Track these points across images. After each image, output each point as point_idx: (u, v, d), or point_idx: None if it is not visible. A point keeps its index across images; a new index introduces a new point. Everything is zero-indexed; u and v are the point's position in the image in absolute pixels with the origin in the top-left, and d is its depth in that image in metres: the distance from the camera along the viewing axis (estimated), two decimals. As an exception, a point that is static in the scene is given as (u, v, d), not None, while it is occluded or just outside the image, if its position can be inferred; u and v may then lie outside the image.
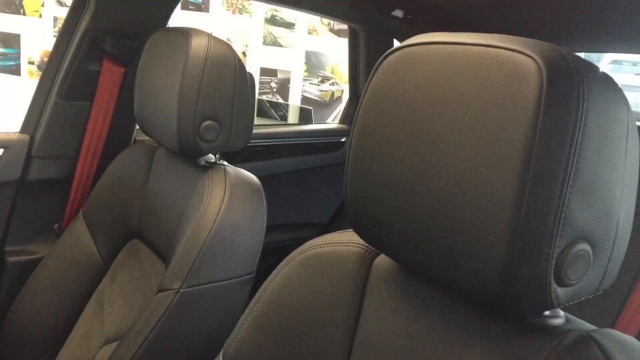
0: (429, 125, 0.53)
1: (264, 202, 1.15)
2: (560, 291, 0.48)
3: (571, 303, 0.49)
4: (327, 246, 0.72)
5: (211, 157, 1.26)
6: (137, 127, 1.58)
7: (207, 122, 1.12)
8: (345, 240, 0.71)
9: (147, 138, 1.37)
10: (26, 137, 1.46)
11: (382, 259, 0.68)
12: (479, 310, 0.57)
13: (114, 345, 1.17)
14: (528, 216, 0.45)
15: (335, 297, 0.68)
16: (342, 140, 2.13)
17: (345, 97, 3.48)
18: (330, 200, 2.16)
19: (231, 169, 1.18)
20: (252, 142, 1.84)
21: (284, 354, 0.69)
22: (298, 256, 0.73)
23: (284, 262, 0.75)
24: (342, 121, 2.20)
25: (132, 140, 1.58)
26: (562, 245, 0.46)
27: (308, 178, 2.07)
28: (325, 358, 0.66)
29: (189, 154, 1.17)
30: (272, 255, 1.72)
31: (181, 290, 1.03)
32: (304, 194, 2.08)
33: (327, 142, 2.10)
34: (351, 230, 0.72)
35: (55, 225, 1.54)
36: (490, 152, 0.47)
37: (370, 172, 0.59)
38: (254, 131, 1.25)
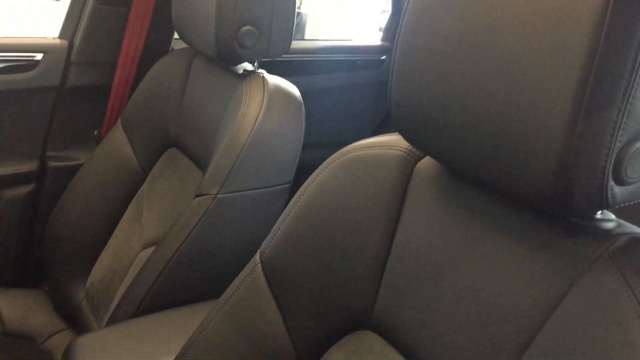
0: (483, 18, 0.49)
1: (303, 111, 1.13)
2: (617, 190, 0.45)
3: (627, 204, 0.47)
4: (368, 149, 0.70)
5: (249, 66, 1.24)
6: (175, 34, 1.56)
7: (246, 27, 1.09)
8: (387, 144, 0.69)
9: (185, 46, 1.35)
10: (65, 42, 1.46)
11: (424, 163, 0.66)
12: (525, 213, 0.55)
13: (152, 249, 1.19)
14: (590, 108, 0.42)
15: (375, 200, 0.66)
16: (382, 58, 2.07)
17: (304, 8, 3.28)
18: (368, 120, 2.13)
19: (270, 77, 1.16)
20: (288, 57, 1.80)
21: (321, 255, 0.69)
22: (338, 159, 0.72)
23: (323, 164, 0.74)
24: (383, 39, 2.13)
25: (170, 48, 1.56)
26: (624, 140, 0.44)
27: (345, 96, 2.03)
28: (362, 259, 0.66)
29: (227, 60, 1.15)
30: (307, 173, 1.71)
31: (218, 195, 1.03)
32: (341, 113, 2.05)
33: (365, 60, 2.05)
34: (393, 134, 0.70)
35: (95, 132, 1.56)
36: (552, 40, 0.44)
37: (417, 70, 0.56)
38: (291, 46, 1.22)
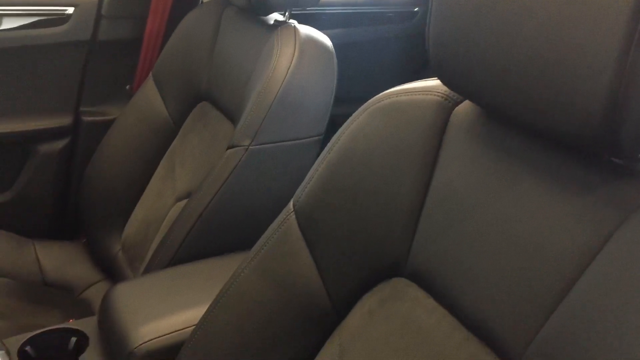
0: None
1: (335, 62, 1.11)
2: None
3: None
4: (404, 95, 0.68)
5: (280, 17, 1.22)
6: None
7: None
8: (424, 89, 0.67)
9: (214, -2, 1.34)
10: None
11: (462, 108, 0.64)
12: (567, 155, 0.54)
13: (185, 202, 1.20)
14: None
15: (411, 146, 0.65)
16: (414, 10, 2.01)
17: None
18: (400, 75, 2.09)
19: (301, 27, 1.13)
20: (318, 9, 1.77)
21: (355, 202, 0.69)
22: (373, 105, 0.70)
23: (358, 111, 0.72)
24: (416, -11, 2.07)
25: (200, 1, 1.55)
26: None
27: (376, 50, 1.99)
28: (397, 206, 0.65)
29: (257, 10, 1.13)
30: (338, 128, 1.69)
31: (250, 147, 1.03)
32: (372, 67, 2.01)
33: (398, 12, 2.00)
34: (430, 80, 0.68)
35: (127, 87, 1.56)
36: None
37: (458, 8, 0.54)
38: None
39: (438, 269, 0.61)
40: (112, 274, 1.35)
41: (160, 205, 1.29)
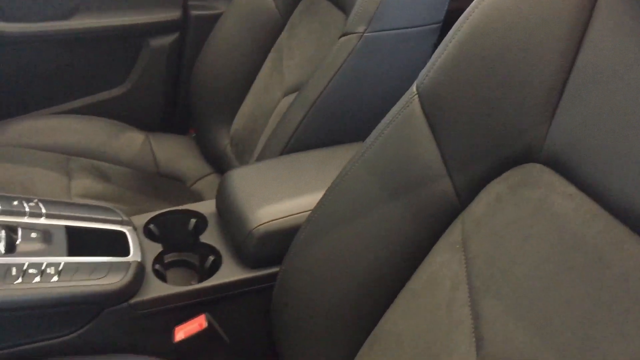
0: None
1: None
2: None
3: None
4: None
5: None
6: None
7: None
8: None
9: None
10: None
11: None
12: None
13: (294, 95, 1.19)
14: None
15: (554, 20, 0.59)
16: None
17: None
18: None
19: None
20: None
21: (487, 83, 0.64)
22: None
23: (492, -16, 0.66)
24: None
25: None
26: None
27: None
28: (535, 87, 0.60)
29: None
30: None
31: (365, 34, 0.99)
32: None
33: None
34: None
35: (234, -21, 1.54)
36: None
37: None
38: None
39: (580, 153, 0.56)
40: (221, 167, 1.39)
41: (268, 99, 1.29)
